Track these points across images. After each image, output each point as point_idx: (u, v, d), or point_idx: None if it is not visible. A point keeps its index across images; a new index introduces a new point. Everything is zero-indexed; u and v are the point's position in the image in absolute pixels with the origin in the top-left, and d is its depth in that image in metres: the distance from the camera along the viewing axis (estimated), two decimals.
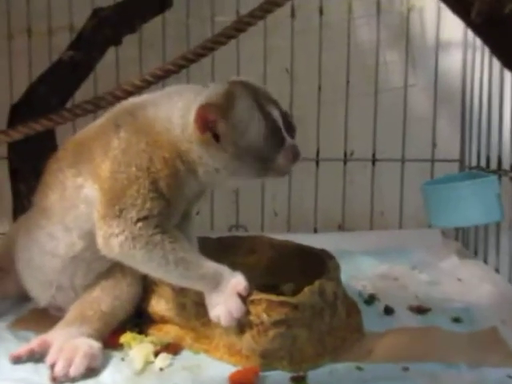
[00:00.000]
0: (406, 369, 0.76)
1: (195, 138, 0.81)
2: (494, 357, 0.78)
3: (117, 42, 1.47)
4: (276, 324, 0.76)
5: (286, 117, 0.85)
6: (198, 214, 1.75)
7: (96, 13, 1.45)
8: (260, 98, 0.83)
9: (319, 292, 0.80)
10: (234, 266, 1.09)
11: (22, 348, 0.79)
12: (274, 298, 0.77)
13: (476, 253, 1.34)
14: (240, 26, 1.05)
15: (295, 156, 0.82)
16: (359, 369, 0.77)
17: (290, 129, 0.85)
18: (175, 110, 0.83)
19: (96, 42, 1.43)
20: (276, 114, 0.83)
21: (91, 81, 1.49)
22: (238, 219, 1.64)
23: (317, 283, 0.81)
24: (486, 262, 1.26)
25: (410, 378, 0.74)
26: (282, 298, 0.78)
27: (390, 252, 1.36)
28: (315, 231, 1.60)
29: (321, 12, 1.56)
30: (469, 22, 0.67)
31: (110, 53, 1.55)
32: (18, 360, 0.78)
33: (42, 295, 0.91)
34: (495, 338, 0.85)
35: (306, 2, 1.59)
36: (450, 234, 1.53)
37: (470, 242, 1.41)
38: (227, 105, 0.80)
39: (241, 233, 1.58)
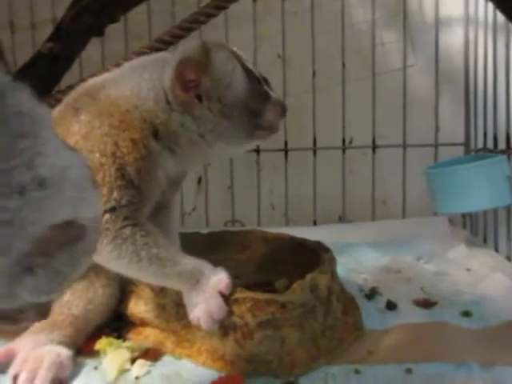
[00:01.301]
0: (409, 370, 0.68)
1: (176, 103, 0.75)
2: (507, 354, 0.70)
3: (99, 32, 1.41)
4: (262, 325, 0.68)
5: (259, 72, 0.80)
6: (194, 209, 1.70)
7: (76, 2, 1.38)
8: (234, 52, 0.78)
9: (311, 288, 0.72)
10: (226, 262, 1.02)
11: None
12: (259, 296, 0.69)
13: (485, 241, 1.25)
14: (220, 2, 0.98)
15: (283, 109, 0.78)
16: (357, 372, 0.68)
17: (268, 84, 0.80)
18: (142, 83, 0.76)
19: (76, 32, 1.36)
20: (251, 67, 0.78)
21: (77, 75, 1.43)
22: (233, 214, 1.57)
23: (308, 278, 0.73)
24: (496, 250, 1.18)
25: (413, 381, 0.66)
26: (268, 296, 0.70)
27: (394, 243, 1.28)
28: (315, 224, 1.52)
29: None
30: None
31: (96, 46, 1.49)
32: None
33: None
34: (508, 332, 0.76)
35: None
36: (458, 221, 1.45)
37: (478, 229, 1.32)
38: (206, 59, 0.74)
39: (237, 228, 1.51)
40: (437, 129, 1.46)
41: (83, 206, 0.41)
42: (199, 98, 0.75)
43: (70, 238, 0.40)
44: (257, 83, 0.77)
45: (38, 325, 0.76)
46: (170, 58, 0.77)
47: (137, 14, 1.46)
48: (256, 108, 0.76)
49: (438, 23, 1.45)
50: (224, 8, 0.99)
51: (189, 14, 1.58)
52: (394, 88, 1.47)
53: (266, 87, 0.79)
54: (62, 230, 0.39)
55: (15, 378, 0.68)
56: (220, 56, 0.75)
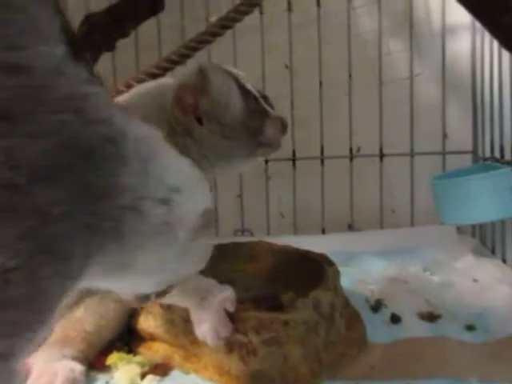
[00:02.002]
0: None
1: (178, 127, 0.78)
2: (508, 369, 0.71)
3: (109, 47, 1.44)
4: (266, 342, 0.70)
5: (258, 92, 0.83)
6: None
7: (88, 18, 1.42)
8: (230, 73, 0.81)
9: (313, 305, 0.74)
10: (234, 273, 1.05)
11: None
12: (263, 314, 0.72)
13: (494, 251, 1.25)
14: (226, 22, 1.00)
15: (283, 125, 0.81)
16: None
17: (268, 102, 0.83)
18: (147, 109, 0.79)
19: (88, 48, 1.40)
20: (249, 86, 0.82)
21: None
22: (243, 223, 1.59)
23: (311, 296, 0.75)
24: (504, 260, 1.17)
25: None
26: (271, 315, 0.72)
27: (402, 252, 1.29)
28: (323, 232, 1.54)
29: (318, 3, 1.50)
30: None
31: (107, 57, 1.52)
32: None
33: None
34: (511, 348, 0.77)
35: None
36: (467, 229, 1.45)
37: (487, 238, 1.32)
38: (203, 82, 0.78)
39: (246, 237, 1.53)
40: (444, 137, 1.47)
41: (207, 196, 0.54)
42: (199, 120, 0.78)
43: (209, 221, 0.53)
44: (254, 102, 0.80)
45: (51, 340, 0.80)
46: (171, 84, 0.80)
47: (146, 26, 1.49)
48: (255, 126, 0.79)
49: (445, 32, 1.45)
50: (230, 27, 1.02)
51: (197, 26, 1.62)
52: (402, 97, 1.48)
53: (264, 104, 0.81)
54: (204, 216, 0.51)
55: None
56: (216, 78, 0.78)
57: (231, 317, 0.72)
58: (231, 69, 0.84)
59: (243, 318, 0.71)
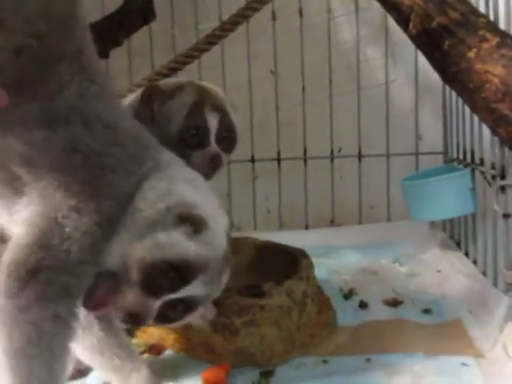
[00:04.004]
0: (368, 360, 0.81)
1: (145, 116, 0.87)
2: (452, 346, 0.83)
3: (103, 55, 1.54)
4: (245, 324, 0.82)
5: (226, 129, 0.90)
6: None
7: None
8: (205, 102, 0.89)
9: (287, 292, 0.86)
10: None
11: None
12: (243, 300, 0.83)
13: (459, 244, 1.37)
14: (213, 39, 1.10)
15: (213, 160, 0.87)
16: (325, 362, 0.82)
17: (226, 141, 0.90)
18: (134, 103, 0.92)
19: None
20: (213, 121, 0.88)
21: None
22: (231, 219, 1.69)
23: (285, 284, 0.87)
24: (467, 253, 1.29)
25: (370, 368, 0.79)
26: (250, 300, 0.83)
27: (377, 245, 1.40)
28: (307, 227, 1.65)
29: (300, 14, 1.60)
30: (408, 33, 0.72)
31: (102, 63, 1.61)
32: None
33: None
34: (458, 327, 0.89)
35: (285, 5, 1.63)
36: (439, 224, 1.56)
37: (454, 232, 1.43)
38: (169, 93, 0.88)
39: (233, 232, 1.63)
40: (417, 139, 1.58)
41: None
42: (153, 117, 0.87)
43: None
44: (198, 131, 0.87)
45: None
46: None
47: (139, 34, 1.59)
48: (184, 151, 0.86)
49: None
50: (216, 43, 1.12)
51: (187, 34, 1.72)
52: (378, 101, 1.59)
53: (211, 138, 0.88)
54: None
55: None
56: (180, 98, 0.88)
57: (216, 303, 0.83)
58: (220, 98, 0.91)
59: (226, 303, 0.83)
